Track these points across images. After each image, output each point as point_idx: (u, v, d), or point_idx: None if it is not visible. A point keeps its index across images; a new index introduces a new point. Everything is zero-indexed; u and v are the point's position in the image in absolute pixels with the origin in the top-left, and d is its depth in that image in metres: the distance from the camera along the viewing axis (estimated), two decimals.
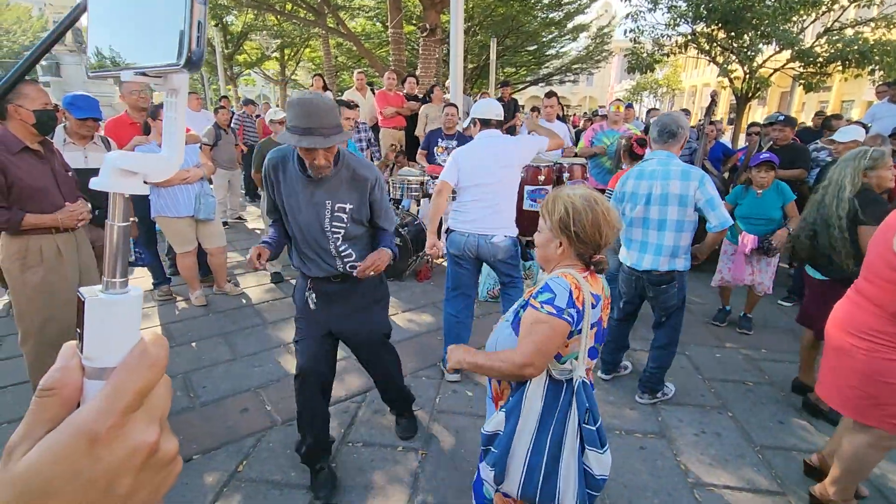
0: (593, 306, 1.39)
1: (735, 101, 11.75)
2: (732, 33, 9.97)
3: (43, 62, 11.79)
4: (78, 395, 0.31)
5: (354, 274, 2.00)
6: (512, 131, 8.23)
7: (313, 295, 2.09)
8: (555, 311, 1.34)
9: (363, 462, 2.36)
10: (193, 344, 3.49)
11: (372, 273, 1.95)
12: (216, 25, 16.19)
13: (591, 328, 1.40)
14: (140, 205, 3.75)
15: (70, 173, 2.55)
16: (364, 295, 2.15)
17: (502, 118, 3.00)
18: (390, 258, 1.99)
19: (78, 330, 0.33)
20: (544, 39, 17.07)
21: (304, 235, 1.96)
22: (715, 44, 10.79)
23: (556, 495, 1.34)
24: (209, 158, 4.77)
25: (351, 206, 1.95)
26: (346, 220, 1.96)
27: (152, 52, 0.36)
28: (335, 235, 1.97)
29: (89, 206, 2.60)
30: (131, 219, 3.49)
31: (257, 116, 8.28)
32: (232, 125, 6.79)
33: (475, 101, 3.71)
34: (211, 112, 7.74)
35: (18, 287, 2.37)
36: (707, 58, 11.75)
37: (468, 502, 2.13)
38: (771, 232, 3.57)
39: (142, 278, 4.57)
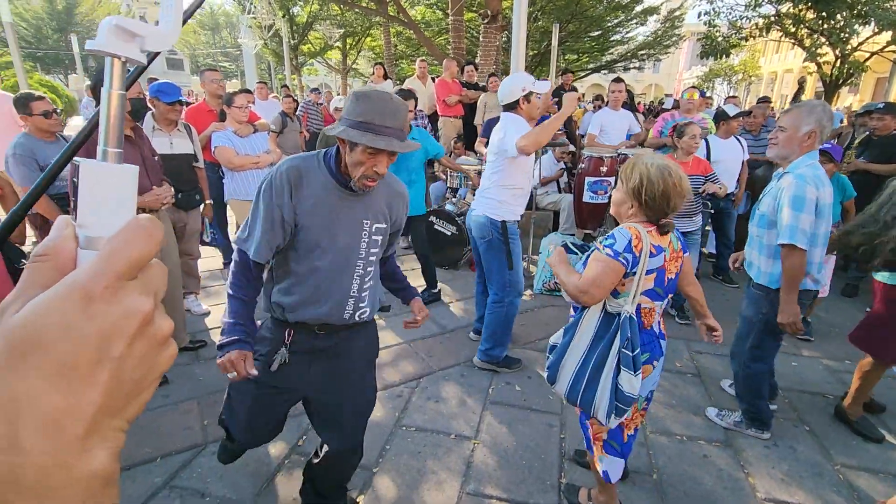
0: (652, 255, 1.64)
1: (823, 89, 10.79)
2: (823, 13, 9.12)
3: None
4: (72, 263, 0.31)
5: (406, 326, 1.86)
6: (568, 123, 7.96)
7: (286, 354, 1.68)
8: (612, 254, 1.63)
9: (416, 447, 2.40)
10: (258, 321, 3.67)
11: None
12: (283, 16, 16.79)
13: (649, 273, 1.65)
14: (214, 188, 3.98)
15: (156, 158, 2.74)
16: (361, 354, 1.76)
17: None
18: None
19: (72, 198, 0.33)
20: (609, 24, 16.31)
21: (331, 267, 1.54)
22: (802, 25, 9.92)
23: (594, 402, 1.70)
24: (276, 145, 4.98)
25: (386, 226, 1.62)
26: (381, 242, 1.62)
27: None
28: (369, 267, 1.61)
29: (172, 189, 2.78)
30: (206, 201, 3.73)
31: (319, 104, 8.54)
32: (297, 113, 7.04)
33: None
34: (278, 100, 8.06)
35: None
36: (792, 41, 10.83)
37: (519, 493, 2.12)
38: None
39: (213, 258, 4.88)
